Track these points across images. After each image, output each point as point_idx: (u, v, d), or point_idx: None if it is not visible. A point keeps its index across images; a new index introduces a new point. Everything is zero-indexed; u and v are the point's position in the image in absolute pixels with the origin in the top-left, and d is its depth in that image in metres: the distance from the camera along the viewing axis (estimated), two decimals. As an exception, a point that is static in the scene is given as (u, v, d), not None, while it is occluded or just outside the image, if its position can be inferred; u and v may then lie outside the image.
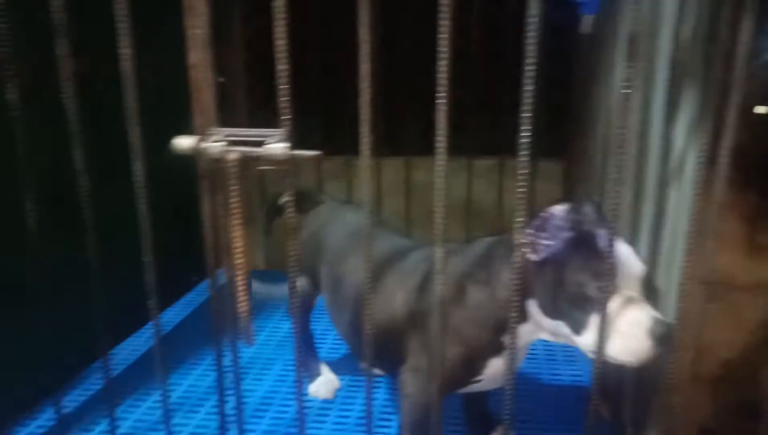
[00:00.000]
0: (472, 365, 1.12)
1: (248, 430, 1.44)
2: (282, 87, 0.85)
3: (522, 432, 1.41)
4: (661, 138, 0.96)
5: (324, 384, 1.62)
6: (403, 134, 2.40)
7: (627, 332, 0.90)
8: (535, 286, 0.98)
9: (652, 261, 1.00)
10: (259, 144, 0.87)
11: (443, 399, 1.22)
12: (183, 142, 0.88)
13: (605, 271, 0.86)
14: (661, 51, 0.95)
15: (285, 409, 1.54)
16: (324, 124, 2.40)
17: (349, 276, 1.31)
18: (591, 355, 0.96)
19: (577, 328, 0.96)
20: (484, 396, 1.37)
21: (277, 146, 0.85)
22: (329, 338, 1.93)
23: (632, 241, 1.14)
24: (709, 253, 0.81)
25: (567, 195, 2.33)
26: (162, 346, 1.08)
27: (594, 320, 0.93)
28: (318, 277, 1.45)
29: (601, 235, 0.94)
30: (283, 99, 0.86)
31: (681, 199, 0.91)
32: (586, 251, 0.94)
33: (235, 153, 0.86)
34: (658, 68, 0.98)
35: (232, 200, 0.90)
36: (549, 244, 0.96)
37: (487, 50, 2.37)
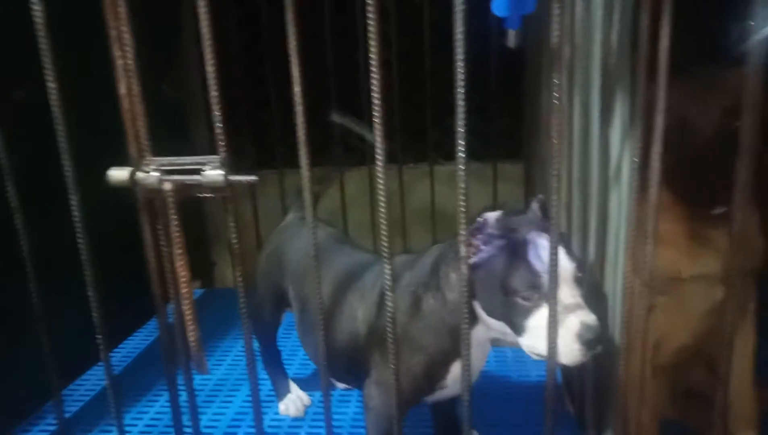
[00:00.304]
0: (435, 372, 1.13)
1: (216, 455, 1.43)
2: (216, 114, 0.84)
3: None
4: (600, 142, 0.97)
5: (293, 402, 1.60)
6: (366, 144, 2.39)
7: (563, 338, 0.90)
8: (476, 289, 1.00)
9: (599, 263, 1.02)
10: (196, 172, 0.86)
11: (410, 410, 1.23)
12: (117, 174, 0.86)
13: (533, 280, 0.92)
14: (594, 57, 0.96)
15: (254, 430, 1.52)
16: (287, 138, 2.39)
17: (312, 295, 1.30)
18: (533, 356, 0.98)
19: (517, 330, 0.98)
20: (451, 403, 1.37)
21: (213, 173, 0.84)
22: (299, 355, 1.92)
23: (582, 244, 1.16)
24: (648, 255, 0.82)
25: (527, 196, 2.35)
26: (117, 382, 1.06)
27: (530, 323, 0.95)
28: (284, 293, 1.44)
29: (534, 241, 0.96)
30: (218, 125, 0.85)
31: (621, 202, 0.92)
32: (516, 259, 0.95)
33: (170, 182, 0.85)
34: (593, 74, 0.99)
35: (172, 230, 0.88)
36: (482, 249, 0.98)
37: (445, 57, 2.38)
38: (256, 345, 1.95)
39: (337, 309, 1.23)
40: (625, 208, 0.86)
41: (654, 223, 0.82)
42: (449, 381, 1.14)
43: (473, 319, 1.03)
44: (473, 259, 0.98)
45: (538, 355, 0.96)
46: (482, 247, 0.98)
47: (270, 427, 1.54)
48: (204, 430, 1.51)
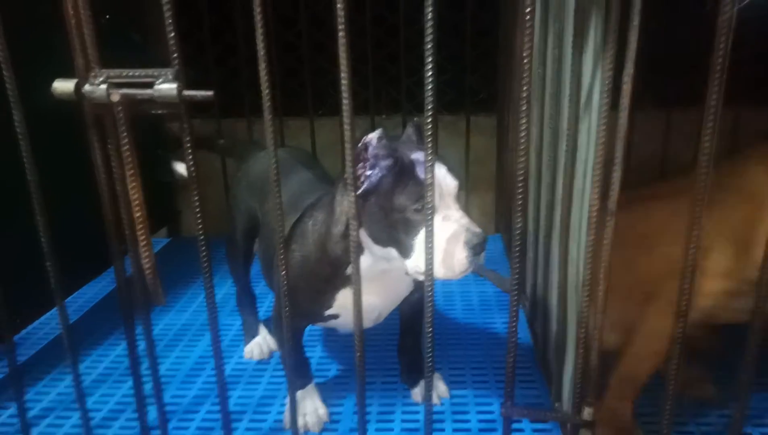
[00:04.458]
0: (318, 298, 1.14)
1: (179, 396, 1.41)
2: (169, 22, 0.79)
3: (455, 377, 1.42)
4: (572, 70, 0.94)
5: (259, 345, 1.59)
6: (338, 93, 2.33)
7: (445, 249, 0.95)
8: (363, 217, 1.00)
9: (567, 196, 1.00)
10: (149, 85, 0.81)
11: (301, 329, 1.28)
12: (62, 86, 0.81)
13: (417, 194, 0.94)
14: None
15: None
16: (255, 85, 2.31)
17: (267, 215, 1.31)
18: (418, 277, 0.99)
19: (405, 252, 0.99)
20: (415, 345, 1.37)
21: (166, 87, 0.79)
22: (269, 298, 1.90)
23: (552, 180, 1.15)
24: (615, 183, 0.81)
25: (499, 147, 2.33)
26: (76, 327, 1.02)
27: (417, 242, 0.97)
28: (254, 213, 1.42)
29: (418, 159, 0.97)
30: (172, 35, 0.79)
31: (590, 131, 0.90)
32: (403, 176, 0.97)
33: (119, 95, 0.79)
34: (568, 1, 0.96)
35: (123, 148, 0.83)
36: (369, 174, 0.97)
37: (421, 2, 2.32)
38: (223, 292, 1.94)
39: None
40: (594, 135, 0.84)
41: (622, 148, 0.81)
42: (337, 309, 1.15)
43: (359, 249, 1.01)
44: (363, 187, 0.98)
45: (420, 274, 0.97)
46: (369, 171, 0.97)
47: (234, 370, 1.52)
48: (167, 373, 1.49)
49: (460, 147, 2.39)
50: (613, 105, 0.79)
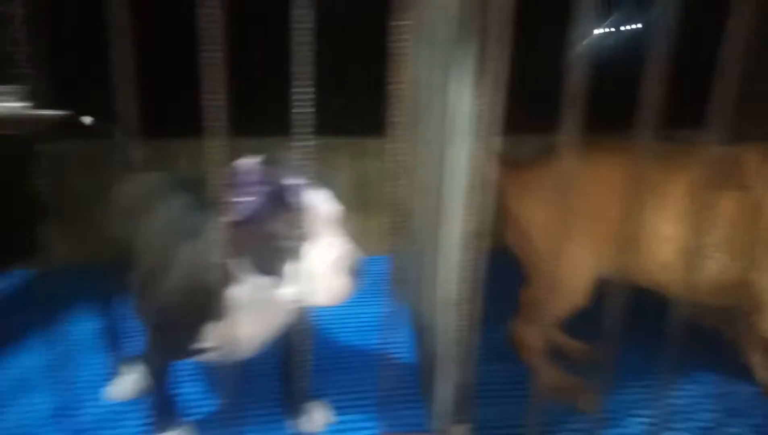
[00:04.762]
0: (184, 332, 1.09)
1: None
2: (17, 32, 0.72)
3: (341, 402, 1.41)
4: (449, 98, 0.99)
5: (127, 383, 1.46)
6: (256, 114, 2.26)
7: (325, 275, 0.93)
8: (239, 245, 0.97)
9: (445, 220, 1.04)
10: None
11: (169, 367, 1.18)
12: None
13: (295, 220, 0.92)
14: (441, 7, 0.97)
15: (83, 413, 1.37)
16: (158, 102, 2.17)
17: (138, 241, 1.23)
18: (297, 304, 0.98)
19: (283, 280, 0.97)
20: (296, 373, 1.33)
21: (10, 105, 0.72)
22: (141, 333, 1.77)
23: (434, 201, 1.18)
24: (485, 205, 0.85)
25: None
26: None
27: (295, 270, 0.95)
28: (129, 248, 1.32)
29: (293, 185, 0.96)
30: (21, 48, 0.72)
31: (461, 157, 0.94)
32: (278, 204, 0.95)
33: (-48, 112, 0.71)
34: (440, 29, 1.01)
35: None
36: (246, 201, 0.95)
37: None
38: (93, 325, 1.78)
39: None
40: (463, 160, 0.88)
41: (491, 171, 0.85)
42: (213, 342, 1.09)
43: (232, 278, 0.99)
44: (236, 215, 0.95)
45: (300, 301, 0.96)
46: (243, 198, 0.95)
47: (98, 412, 1.39)
48: (21, 421, 1.34)
49: (356, 170, 2.41)
50: (488, 130, 0.83)
